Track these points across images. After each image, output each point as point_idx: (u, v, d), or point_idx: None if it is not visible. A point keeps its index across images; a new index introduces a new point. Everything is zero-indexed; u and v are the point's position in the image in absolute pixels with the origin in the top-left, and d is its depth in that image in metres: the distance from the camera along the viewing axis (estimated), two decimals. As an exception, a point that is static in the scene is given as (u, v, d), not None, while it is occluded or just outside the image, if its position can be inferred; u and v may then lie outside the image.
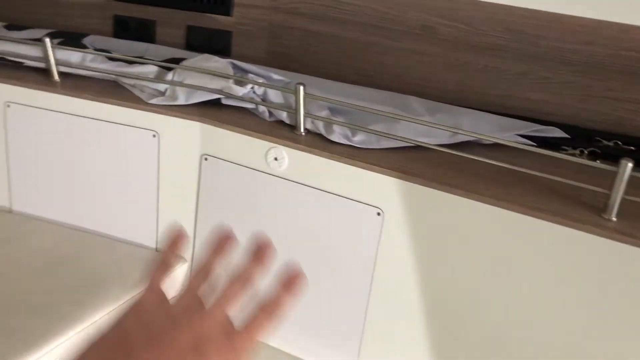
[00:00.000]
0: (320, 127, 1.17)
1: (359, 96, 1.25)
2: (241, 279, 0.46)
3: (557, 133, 1.17)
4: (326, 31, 1.43)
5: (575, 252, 0.94)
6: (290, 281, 0.46)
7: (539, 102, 1.25)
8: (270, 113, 1.24)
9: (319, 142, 1.15)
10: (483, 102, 1.29)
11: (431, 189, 1.04)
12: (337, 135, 1.14)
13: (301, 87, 1.12)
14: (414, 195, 1.06)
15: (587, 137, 1.17)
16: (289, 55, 1.49)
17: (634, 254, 0.90)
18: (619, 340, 0.94)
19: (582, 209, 0.95)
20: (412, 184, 1.06)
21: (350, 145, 1.14)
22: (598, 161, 0.99)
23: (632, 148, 1.13)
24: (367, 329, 1.17)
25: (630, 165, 0.89)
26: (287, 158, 1.16)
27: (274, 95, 1.24)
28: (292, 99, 1.18)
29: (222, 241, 0.48)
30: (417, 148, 1.13)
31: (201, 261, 0.47)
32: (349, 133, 1.15)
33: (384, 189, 1.08)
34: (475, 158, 1.07)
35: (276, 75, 1.27)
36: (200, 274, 0.47)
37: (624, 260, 0.91)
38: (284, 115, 1.21)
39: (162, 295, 0.45)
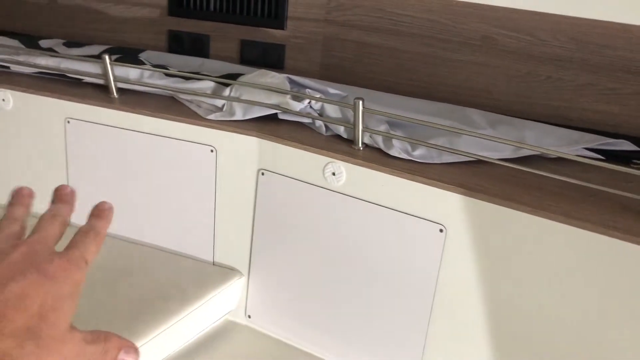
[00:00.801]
0: (379, 142, 1.15)
1: (418, 109, 1.23)
2: (49, 215, 0.49)
3: (627, 146, 1.12)
4: (381, 43, 1.42)
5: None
6: (99, 210, 0.51)
7: (605, 114, 1.20)
8: (327, 127, 1.23)
9: (377, 157, 1.14)
10: (546, 114, 1.26)
11: (496, 205, 1.01)
12: (397, 149, 1.13)
13: (360, 102, 1.11)
14: (478, 212, 1.04)
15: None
16: (344, 68, 1.48)
17: None
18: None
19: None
20: (475, 199, 1.04)
21: (411, 160, 1.12)
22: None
23: None
24: (429, 347, 1.14)
25: None
26: (345, 173, 1.15)
27: (331, 110, 1.23)
28: (349, 113, 1.16)
29: (20, 195, 0.51)
30: (480, 162, 1.11)
31: (6, 213, 0.49)
32: (408, 147, 1.13)
33: (447, 205, 1.06)
34: (541, 173, 1.03)
35: (333, 90, 1.26)
36: (8, 221, 0.48)
37: None
38: (341, 130, 1.20)
39: None
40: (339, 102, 1.21)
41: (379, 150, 1.15)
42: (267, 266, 1.32)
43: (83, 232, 0.48)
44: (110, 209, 0.51)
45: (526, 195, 1.01)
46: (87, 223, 0.50)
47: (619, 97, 1.19)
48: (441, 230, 1.07)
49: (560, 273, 0.99)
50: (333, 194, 1.18)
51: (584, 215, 0.95)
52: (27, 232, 0.47)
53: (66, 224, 0.49)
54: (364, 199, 1.15)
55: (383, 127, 1.16)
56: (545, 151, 1.08)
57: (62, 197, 0.51)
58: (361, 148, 1.17)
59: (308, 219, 1.23)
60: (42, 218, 0.48)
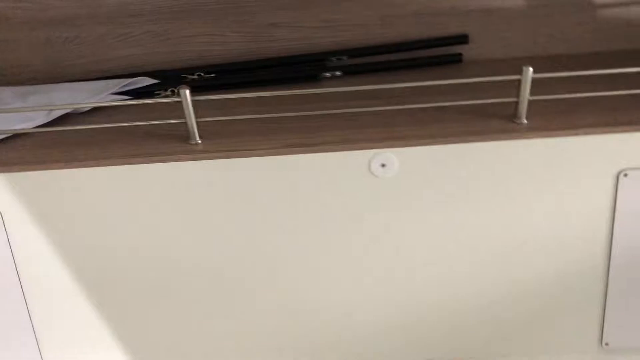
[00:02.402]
0: None
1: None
2: None
3: (147, 81, 1.24)
4: None
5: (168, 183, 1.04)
6: None
7: (129, 58, 1.30)
8: None
9: None
10: (78, 72, 1.31)
11: (38, 172, 1.04)
12: None
13: None
14: (24, 186, 1.05)
15: (175, 77, 1.26)
16: None
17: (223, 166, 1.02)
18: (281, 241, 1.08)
19: (175, 143, 1.04)
20: (14, 173, 1.05)
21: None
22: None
23: (213, 75, 1.25)
24: (37, 326, 1.15)
25: (186, 92, 0.99)
26: None
27: None
28: None
29: None
30: (19, 136, 1.11)
31: None
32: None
33: None
34: (74, 128, 1.09)
35: None
36: None
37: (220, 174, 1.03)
38: None
39: None
40: None
41: None
42: None
43: None
44: None
45: (60, 153, 1.05)
46: None
47: (134, 39, 1.29)
48: (-3, 215, 1.07)
49: (123, 210, 1.08)
50: None
51: (111, 154, 1.03)
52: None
53: None
54: None
55: None
56: (74, 107, 1.14)
57: None
58: None
59: None
60: None
